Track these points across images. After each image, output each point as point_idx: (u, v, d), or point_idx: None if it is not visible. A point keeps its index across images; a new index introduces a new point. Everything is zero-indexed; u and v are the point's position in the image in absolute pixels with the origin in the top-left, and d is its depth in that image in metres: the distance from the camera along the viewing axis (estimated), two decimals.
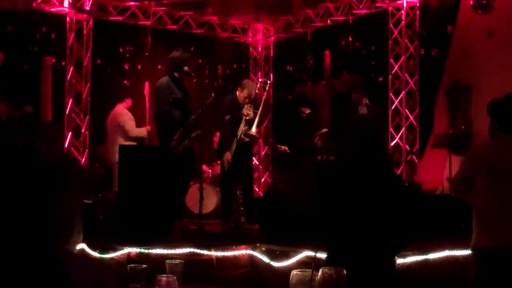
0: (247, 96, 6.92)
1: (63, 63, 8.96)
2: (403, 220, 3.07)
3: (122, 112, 8.08)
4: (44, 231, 1.77)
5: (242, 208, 7.50)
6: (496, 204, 3.36)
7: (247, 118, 6.83)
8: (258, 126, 7.20)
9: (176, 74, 6.26)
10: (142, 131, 8.06)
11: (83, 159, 8.86)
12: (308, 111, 7.46)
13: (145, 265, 2.09)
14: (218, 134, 9.48)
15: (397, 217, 3.05)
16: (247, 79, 8.98)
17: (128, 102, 8.21)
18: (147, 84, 7.78)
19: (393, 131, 8.68)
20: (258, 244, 5.01)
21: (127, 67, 9.49)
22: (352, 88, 7.53)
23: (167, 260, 2.22)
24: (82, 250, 5.05)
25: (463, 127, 8.33)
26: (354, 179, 3.12)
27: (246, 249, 4.98)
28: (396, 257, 3.20)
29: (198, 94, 6.30)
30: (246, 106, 6.87)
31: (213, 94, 6.32)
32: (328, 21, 9.66)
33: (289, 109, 9.98)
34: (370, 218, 3.02)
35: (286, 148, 7.85)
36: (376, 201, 3.04)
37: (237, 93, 7.03)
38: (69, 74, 8.95)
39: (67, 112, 8.89)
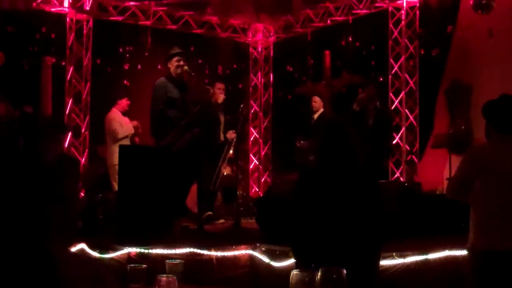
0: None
1: (63, 63, 8.95)
2: (372, 220, 3.06)
3: (111, 115, 8.14)
4: (42, 230, 1.77)
5: (242, 208, 7.46)
6: (493, 206, 3.35)
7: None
8: None
9: (173, 73, 6.25)
10: (128, 129, 8.07)
11: (83, 159, 8.86)
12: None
13: (145, 265, 2.09)
14: None
15: (366, 219, 3.04)
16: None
17: (122, 103, 8.21)
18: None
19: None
20: (258, 244, 5.00)
21: (127, 67, 9.49)
22: (365, 86, 7.38)
23: (167, 260, 2.23)
24: (82, 250, 5.06)
25: (463, 127, 8.32)
26: (323, 181, 3.11)
27: (246, 249, 4.97)
28: (378, 261, 3.17)
29: (197, 93, 6.30)
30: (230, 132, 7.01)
31: (211, 91, 6.31)
32: (328, 21, 9.66)
33: (289, 109, 10.00)
34: (338, 221, 3.01)
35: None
36: (343, 203, 3.03)
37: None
38: (69, 74, 8.94)
39: (67, 112, 8.88)
